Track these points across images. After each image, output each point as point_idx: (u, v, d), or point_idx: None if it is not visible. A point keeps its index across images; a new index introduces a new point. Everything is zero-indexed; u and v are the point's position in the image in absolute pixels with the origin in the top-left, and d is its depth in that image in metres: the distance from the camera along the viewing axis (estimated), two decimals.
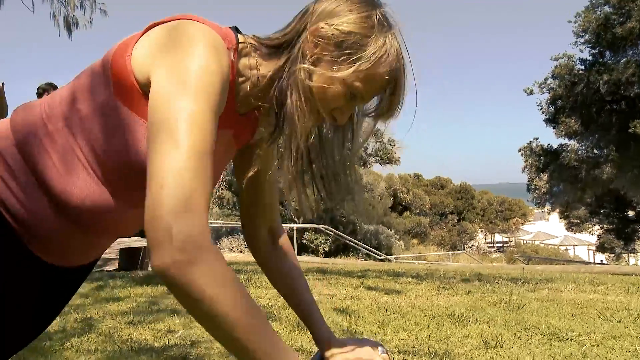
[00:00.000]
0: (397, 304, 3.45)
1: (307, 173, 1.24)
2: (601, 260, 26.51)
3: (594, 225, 25.08)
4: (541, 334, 2.57)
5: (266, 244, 1.46)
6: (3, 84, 4.48)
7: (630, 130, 14.80)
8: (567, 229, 27.27)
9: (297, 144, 1.10)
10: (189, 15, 1.11)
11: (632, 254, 24.13)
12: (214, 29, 1.07)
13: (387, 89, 1.11)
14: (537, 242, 46.72)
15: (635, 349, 2.34)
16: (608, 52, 17.01)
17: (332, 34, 1.09)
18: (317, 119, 1.13)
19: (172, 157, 0.94)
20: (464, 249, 38.24)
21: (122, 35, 1.37)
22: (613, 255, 23.91)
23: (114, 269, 10.03)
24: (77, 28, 10.01)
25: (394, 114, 1.17)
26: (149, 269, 9.73)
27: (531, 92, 19.16)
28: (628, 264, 22.53)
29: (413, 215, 40.25)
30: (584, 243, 42.50)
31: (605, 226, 23.87)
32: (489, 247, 50.15)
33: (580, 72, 17.94)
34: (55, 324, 2.78)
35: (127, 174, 1.07)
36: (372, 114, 1.18)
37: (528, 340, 2.46)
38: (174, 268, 0.87)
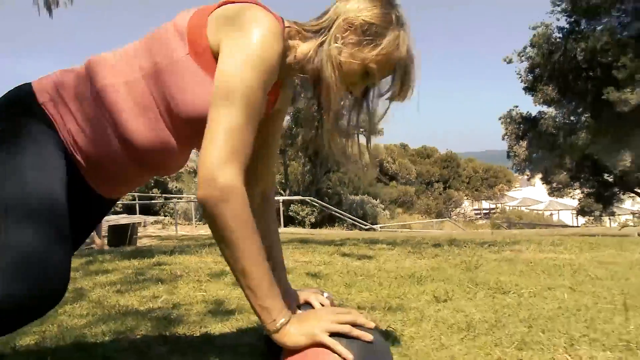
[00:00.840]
0: (366, 267, 3.73)
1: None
2: (584, 224, 27.07)
3: (575, 190, 25.54)
4: (488, 289, 2.86)
5: (258, 205, 1.83)
6: None
7: (603, 97, 15.13)
8: (549, 194, 27.73)
9: (334, 107, 1.43)
10: (254, 0, 1.40)
11: (610, 217, 24.66)
12: (273, 15, 1.37)
13: (396, 75, 1.48)
14: (522, 208, 47.29)
15: (565, 296, 2.64)
16: (584, 21, 17.25)
17: (360, 23, 1.41)
18: (345, 89, 1.47)
19: (226, 117, 1.26)
20: (450, 217, 38.69)
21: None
22: (593, 218, 24.42)
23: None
24: (57, 6, 10.06)
25: (405, 97, 1.53)
26: (137, 244, 9.98)
27: (510, 61, 19.40)
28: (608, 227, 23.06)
29: (399, 184, 40.64)
30: (568, 207, 43.16)
31: (585, 190, 24.35)
32: (476, 214, 50.69)
33: (558, 40, 18.21)
34: None
35: (193, 123, 1.43)
36: (386, 96, 1.55)
37: (475, 294, 2.75)
38: (210, 201, 1.24)
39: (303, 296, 1.76)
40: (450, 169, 50.85)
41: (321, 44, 1.44)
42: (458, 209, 46.82)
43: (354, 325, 1.40)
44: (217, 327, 2.27)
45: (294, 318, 1.39)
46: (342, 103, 1.51)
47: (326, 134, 1.51)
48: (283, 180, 23.09)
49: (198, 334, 2.17)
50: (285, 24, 1.48)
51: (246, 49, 1.30)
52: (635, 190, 22.46)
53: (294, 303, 1.72)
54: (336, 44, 1.42)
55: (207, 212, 1.27)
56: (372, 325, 1.46)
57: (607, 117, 15.87)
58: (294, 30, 1.48)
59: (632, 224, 9.14)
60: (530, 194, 55.32)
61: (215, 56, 1.36)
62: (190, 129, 1.44)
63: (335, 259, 4.30)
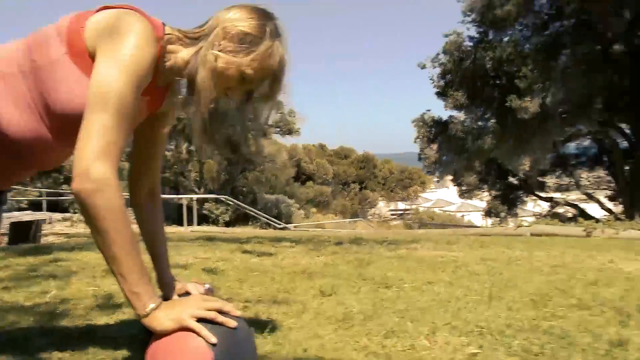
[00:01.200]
0: (263, 264, 3.82)
1: (217, 139, 1.72)
2: (492, 224, 28.19)
3: (484, 192, 26.59)
4: (374, 283, 3.01)
5: (144, 200, 1.93)
6: None
7: (507, 104, 15.95)
8: (459, 196, 28.76)
9: (203, 108, 1.51)
10: (132, 7, 1.48)
11: (515, 218, 25.84)
12: (149, 21, 1.45)
13: (269, 81, 1.60)
14: (436, 209, 48.66)
15: (442, 290, 2.83)
16: (492, 31, 18.08)
17: (236, 32, 1.51)
18: (219, 93, 1.54)
19: (100, 117, 1.34)
20: (365, 217, 39.31)
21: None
22: (499, 219, 25.51)
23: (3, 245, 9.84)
24: None
25: (273, 99, 1.65)
26: (41, 242, 9.65)
27: (424, 67, 20.02)
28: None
29: (316, 184, 41.01)
30: (478, 209, 44.79)
31: (493, 193, 25.43)
32: (392, 215, 51.75)
33: (468, 48, 18.97)
34: None
35: (70, 120, 1.50)
36: (261, 97, 1.66)
37: (360, 288, 2.89)
38: (84, 192, 1.32)
39: (183, 286, 1.85)
40: (366, 170, 51.80)
41: (199, 50, 1.53)
42: (373, 210, 47.87)
43: (221, 312, 1.49)
44: (103, 320, 2.30)
45: (164, 304, 1.47)
46: (212, 106, 1.59)
47: (195, 133, 1.60)
48: (198, 178, 22.85)
49: (82, 327, 2.20)
50: (167, 30, 1.57)
51: (118, 55, 1.39)
52: (537, 193, 23.70)
53: (173, 292, 1.81)
54: (213, 51, 1.51)
55: (81, 203, 1.35)
56: (237, 313, 1.56)
57: (510, 123, 16.72)
58: (175, 37, 1.58)
59: (526, 224, 9.69)
60: (443, 195, 57.06)
61: (93, 58, 1.43)
62: (66, 127, 1.50)
63: (236, 255, 4.37)
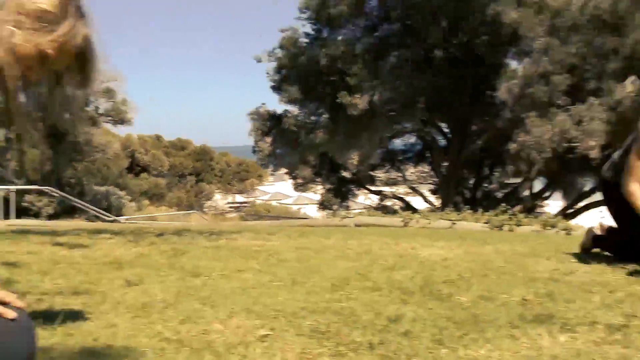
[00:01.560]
0: (72, 256, 3.68)
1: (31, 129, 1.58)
2: (325, 216, 29.17)
3: (318, 185, 27.46)
4: (183, 272, 3.03)
5: None
6: None
7: (338, 100, 16.64)
8: (294, 189, 29.44)
9: (12, 86, 1.40)
10: None
11: (346, 210, 26.98)
12: None
13: (76, 64, 1.49)
14: (273, 202, 49.37)
15: (249, 277, 2.92)
16: (326, 30, 18.73)
17: (35, 9, 1.39)
18: (17, 72, 1.41)
19: None
20: (202, 210, 38.90)
21: None
22: (331, 212, 26.49)
23: None
24: None
25: (86, 86, 1.56)
26: None
27: (260, 60, 20.21)
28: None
29: (151, 176, 39.85)
30: (313, 202, 46.04)
31: (326, 186, 26.36)
32: (229, 207, 51.70)
33: (304, 45, 19.45)
34: None
35: None
36: (73, 83, 1.55)
37: (167, 278, 2.89)
38: None
39: None
40: (204, 162, 51.30)
41: None
42: (210, 202, 47.57)
43: (1, 303, 1.43)
44: None
45: None
46: (19, 84, 1.52)
47: (15, 115, 1.51)
48: (18, 168, 21.18)
49: None
50: None
51: None
52: (367, 186, 24.97)
53: None
54: (9, 27, 1.42)
55: None
56: (20, 304, 1.50)
57: (341, 119, 17.46)
58: None
59: (350, 215, 10.23)
60: (281, 188, 58.07)
61: None
62: None
63: (46, 248, 4.16)
